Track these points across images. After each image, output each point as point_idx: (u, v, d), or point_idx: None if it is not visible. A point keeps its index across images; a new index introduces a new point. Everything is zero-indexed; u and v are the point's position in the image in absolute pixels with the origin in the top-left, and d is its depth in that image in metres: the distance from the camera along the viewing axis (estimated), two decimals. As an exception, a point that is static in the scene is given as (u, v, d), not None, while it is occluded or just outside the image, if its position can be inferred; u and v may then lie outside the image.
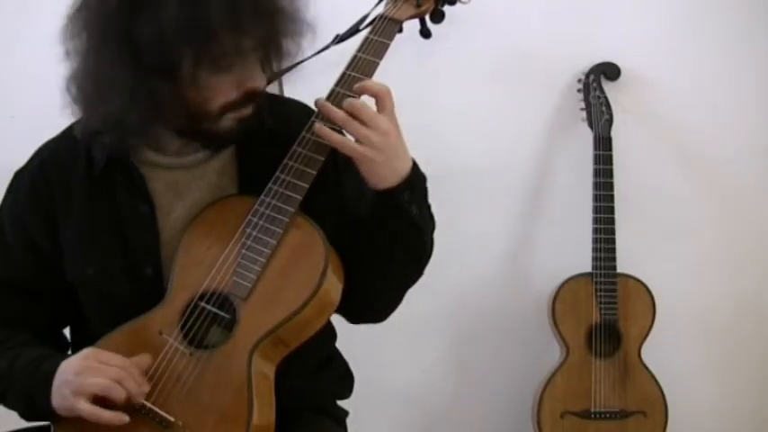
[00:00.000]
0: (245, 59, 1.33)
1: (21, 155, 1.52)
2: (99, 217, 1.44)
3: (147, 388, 1.30)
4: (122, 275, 1.43)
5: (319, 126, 1.33)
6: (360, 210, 1.42)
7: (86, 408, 1.27)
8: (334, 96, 1.37)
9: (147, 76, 1.28)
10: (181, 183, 1.45)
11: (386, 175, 1.34)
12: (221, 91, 1.33)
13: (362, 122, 1.31)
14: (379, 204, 1.36)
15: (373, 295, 1.46)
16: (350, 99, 1.33)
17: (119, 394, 1.27)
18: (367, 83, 1.36)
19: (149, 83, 1.29)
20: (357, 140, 1.32)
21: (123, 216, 1.44)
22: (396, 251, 1.40)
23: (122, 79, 1.29)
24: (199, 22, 1.24)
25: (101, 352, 1.32)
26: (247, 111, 1.38)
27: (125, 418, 1.27)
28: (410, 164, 1.37)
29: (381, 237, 1.39)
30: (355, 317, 1.53)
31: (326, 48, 1.47)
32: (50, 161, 1.48)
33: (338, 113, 1.32)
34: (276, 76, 1.47)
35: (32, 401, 1.35)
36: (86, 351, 1.33)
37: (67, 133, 1.50)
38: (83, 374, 1.28)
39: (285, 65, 1.41)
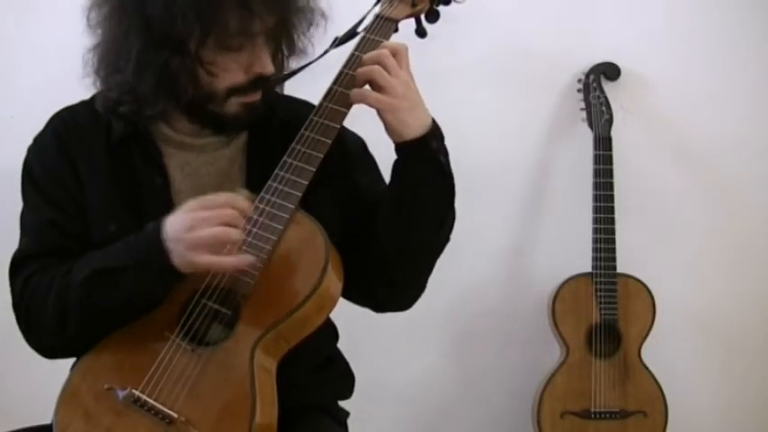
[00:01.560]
0: (253, 42, 1.36)
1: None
2: (118, 182, 1.46)
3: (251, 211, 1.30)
4: None
5: (356, 90, 1.37)
6: (373, 198, 1.46)
7: (207, 260, 1.27)
8: (333, 94, 1.40)
9: (157, 48, 1.33)
10: (192, 164, 1.47)
11: (411, 124, 1.37)
12: (227, 71, 1.36)
13: (387, 71, 1.36)
14: (408, 157, 1.39)
15: (398, 270, 1.45)
16: (378, 51, 1.38)
17: (234, 236, 1.27)
18: (384, 42, 1.41)
19: (160, 54, 1.33)
20: (382, 91, 1.36)
21: (140, 186, 1.46)
22: (427, 207, 1.42)
23: (136, 48, 1.34)
24: (207, 0, 1.29)
25: (204, 199, 1.30)
26: (255, 97, 1.40)
27: (248, 257, 1.28)
28: (431, 117, 1.41)
29: (413, 193, 1.41)
30: (382, 303, 1.53)
31: (326, 52, 1.48)
32: (71, 121, 1.50)
33: (369, 67, 1.36)
34: (279, 81, 1.48)
35: (150, 270, 1.31)
36: (189, 204, 1.30)
37: (87, 102, 1.52)
38: (195, 228, 1.27)
39: (296, 55, 1.44)
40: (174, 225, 1.29)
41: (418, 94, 1.39)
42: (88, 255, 1.39)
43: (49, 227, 1.45)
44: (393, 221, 1.42)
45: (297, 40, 1.44)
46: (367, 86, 1.39)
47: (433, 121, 1.42)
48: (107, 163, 1.46)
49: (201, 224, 1.27)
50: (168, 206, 1.42)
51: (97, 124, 1.48)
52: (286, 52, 1.45)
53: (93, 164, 1.46)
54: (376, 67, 1.36)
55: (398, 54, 1.38)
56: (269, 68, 1.39)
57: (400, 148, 1.40)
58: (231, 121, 1.42)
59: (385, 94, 1.36)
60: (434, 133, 1.40)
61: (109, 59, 1.40)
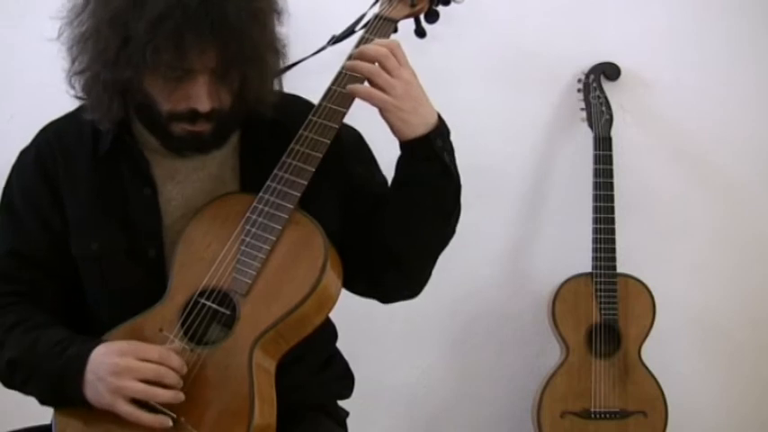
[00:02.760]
0: (193, 77, 1.32)
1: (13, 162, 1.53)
2: (104, 196, 1.45)
3: (185, 370, 1.30)
4: (125, 255, 1.44)
5: (352, 87, 1.36)
6: (374, 189, 1.46)
7: (127, 410, 1.27)
8: (332, 94, 1.40)
9: (100, 64, 1.32)
10: (181, 171, 1.46)
11: (415, 123, 1.37)
12: (163, 97, 1.35)
13: (388, 72, 1.35)
14: (412, 155, 1.39)
15: (407, 262, 1.45)
16: (377, 48, 1.36)
17: (161, 396, 1.27)
18: (376, 41, 1.40)
19: (100, 70, 1.33)
20: (384, 91, 1.35)
21: (128, 198, 1.45)
22: (431, 205, 1.41)
23: (84, 63, 1.35)
24: (146, 25, 1.26)
25: (138, 346, 1.31)
26: (201, 127, 1.37)
27: (168, 422, 1.27)
28: (436, 114, 1.40)
29: (417, 191, 1.40)
30: (389, 293, 1.53)
31: (323, 49, 1.48)
32: (55, 138, 1.49)
33: (366, 65, 1.35)
34: (278, 73, 1.47)
35: (61, 388, 1.33)
36: (122, 346, 1.31)
37: (73, 114, 1.51)
38: (122, 376, 1.27)
39: (250, 93, 1.39)
40: (101, 363, 1.30)
41: (422, 91, 1.39)
42: (22, 333, 1.39)
43: (11, 256, 1.46)
44: (397, 219, 1.42)
45: (256, 75, 1.38)
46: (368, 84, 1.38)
47: (439, 117, 1.41)
48: (92, 178, 1.45)
49: (128, 373, 1.28)
50: (157, 216, 1.44)
51: (82, 138, 1.47)
52: (243, 88, 1.38)
53: (76, 181, 1.46)
54: (375, 67, 1.35)
55: (395, 52, 1.36)
56: (203, 106, 1.33)
57: (404, 146, 1.40)
58: (177, 143, 1.40)
59: (386, 94, 1.35)
60: (439, 131, 1.39)
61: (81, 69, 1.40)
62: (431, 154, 1.39)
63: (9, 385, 1.41)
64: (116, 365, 1.28)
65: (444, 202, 1.43)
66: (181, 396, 1.28)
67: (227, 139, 1.45)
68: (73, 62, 1.37)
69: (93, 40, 1.32)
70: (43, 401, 1.39)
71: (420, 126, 1.37)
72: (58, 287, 1.48)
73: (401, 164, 1.42)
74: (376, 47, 1.37)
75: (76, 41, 1.35)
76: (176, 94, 1.34)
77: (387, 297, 1.55)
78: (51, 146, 1.48)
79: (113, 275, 1.44)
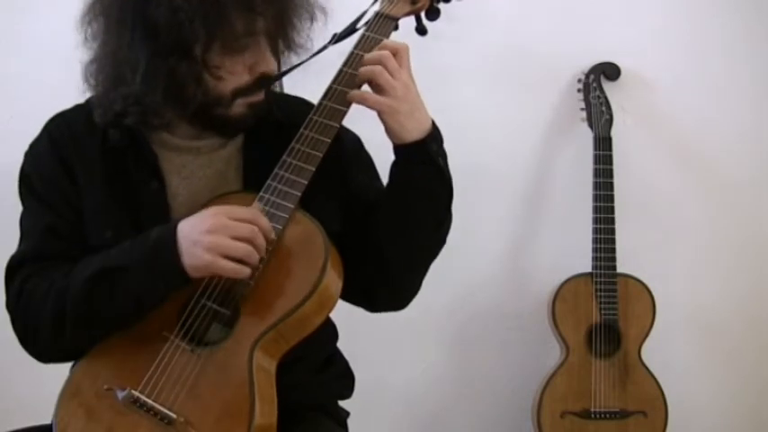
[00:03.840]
0: (257, 41, 1.37)
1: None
2: (114, 187, 1.45)
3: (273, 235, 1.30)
4: None
5: (353, 93, 1.37)
6: (371, 196, 1.46)
7: (229, 266, 1.27)
8: (333, 93, 1.40)
9: (165, 55, 1.33)
10: (188, 167, 1.47)
11: (411, 127, 1.38)
12: (233, 73, 1.37)
13: (388, 73, 1.36)
14: (408, 159, 1.40)
15: (397, 269, 1.45)
16: (379, 51, 1.37)
17: (254, 255, 1.27)
18: (386, 41, 1.41)
19: (167, 62, 1.33)
20: (382, 93, 1.36)
21: (136, 191, 1.45)
22: (425, 209, 1.42)
23: (141, 59, 1.33)
24: (212, 3, 1.29)
25: (229, 208, 1.31)
26: (259, 97, 1.41)
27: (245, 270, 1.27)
28: (430, 119, 1.41)
29: (411, 195, 1.41)
30: (377, 302, 1.53)
31: (324, 48, 1.48)
32: (65, 127, 1.49)
33: (370, 67, 1.36)
34: (277, 77, 1.48)
35: (157, 266, 1.30)
36: (214, 208, 1.31)
37: (82, 107, 1.51)
38: (217, 232, 1.27)
39: (295, 52, 1.45)
40: (193, 226, 1.29)
41: (418, 96, 1.39)
42: (88, 258, 1.38)
43: (47, 232, 1.44)
44: (391, 223, 1.42)
45: (296, 37, 1.44)
46: (366, 87, 1.39)
47: (433, 123, 1.41)
48: (102, 168, 1.45)
49: (223, 230, 1.27)
50: (164, 211, 1.44)
51: (92, 129, 1.46)
52: (285, 49, 1.45)
53: (88, 168, 1.45)
54: (378, 67, 1.36)
55: (399, 54, 1.37)
56: (272, 67, 1.39)
57: (399, 150, 1.40)
58: (236, 123, 1.42)
59: (385, 95, 1.35)
60: (434, 136, 1.40)
61: (111, 72, 1.39)
62: (426, 158, 1.39)
63: (87, 311, 1.34)
64: (212, 224, 1.28)
65: (438, 207, 1.44)
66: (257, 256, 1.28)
67: (273, 109, 1.46)
68: (119, 63, 1.35)
69: (163, 30, 1.31)
70: (138, 300, 1.33)
71: (416, 130, 1.38)
72: None
73: (396, 168, 1.43)
74: (378, 51, 1.38)
75: (124, 40, 1.34)
76: (242, 65, 1.37)
77: (374, 306, 1.54)
78: (62, 133, 1.48)
79: None
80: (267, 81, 1.41)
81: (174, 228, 1.30)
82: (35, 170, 1.48)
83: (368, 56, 1.38)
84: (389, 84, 1.35)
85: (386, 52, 1.36)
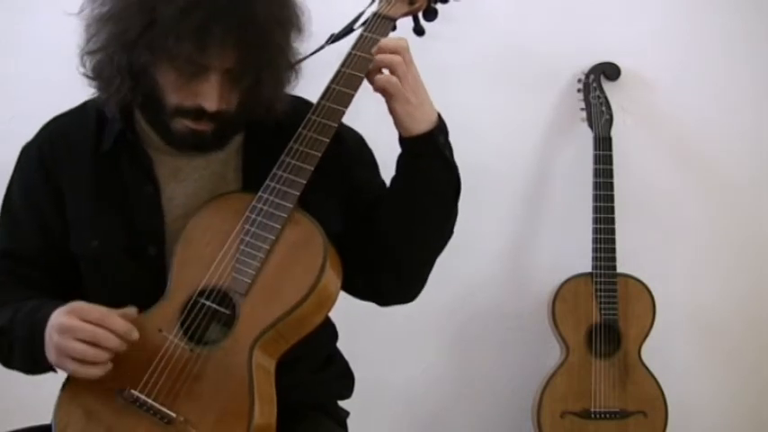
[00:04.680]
0: (207, 75, 1.32)
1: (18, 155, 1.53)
2: (105, 194, 1.45)
3: (135, 335, 1.29)
4: (125, 253, 1.44)
5: (379, 77, 1.37)
6: (374, 191, 1.47)
7: (70, 366, 1.29)
8: (331, 93, 1.40)
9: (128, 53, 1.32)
10: (183, 170, 1.46)
11: (420, 118, 1.39)
12: (174, 89, 1.34)
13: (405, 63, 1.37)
14: (416, 151, 1.40)
15: (405, 263, 1.46)
16: (397, 41, 1.38)
17: (96, 356, 1.27)
18: (384, 41, 1.40)
19: (131, 54, 1.31)
20: (400, 80, 1.36)
21: (129, 195, 1.45)
22: (433, 201, 1.43)
23: (114, 57, 1.33)
24: (174, 12, 1.26)
25: (83, 307, 1.31)
26: (202, 126, 1.36)
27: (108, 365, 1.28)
28: (437, 113, 1.42)
29: (418, 186, 1.42)
30: (386, 296, 1.54)
31: (321, 48, 1.48)
32: (58, 134, 1.50)
33: (390, 57, 1.37)
34: (286, 85, 1.48)
35: (33, 353, 1.35)
36: (70, 306, 1.32)
37: (77, 110, 1.51)
38: (65, 335, 1.28)
39: (260, 98, 1.39)
40: (53, 323, 1.31)
41: (425, 89, 1.41)
42: (14, 300, 1.42)
43: (2, 257, 1.48)
44: (398, 215, 1.42)
45: (290, 58, 1.40)
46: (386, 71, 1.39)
47: (439, 116, 1.42)
48: (94, 176, 1.46)
49: (69, 332, 1.28)
50: (158, 215, 1.44)
51: (86, 133, 1.47)
52: (248, 89, 1.38)
53: (78, 177, 1.46)
54: (398, 57, 1.37)
55: (401, 53, 1.38)
56: (212, 106, 1.33)
57: (407, 142, 1.41)
58: (177, 139, 1.39)
59: (402, 85, 1.37)
60: (441, 128, 1.42)
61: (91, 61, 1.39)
62: (434, 150, 1.40)
63: (3, 359, 1.44)
64: (61, 325, 1.29)
65: (445, 200, 1.45)
66: (108, 365, 1.28)
67: (228, 141, 1.45)
68: (89, 40, 1.36)
69: (116, 20, 1.31)
70: (27, 371, 1.42)
71: (424, 122, 1.39)
72: (55, 286, 1.48)
73: (403, 160, 1.43)
74: (396, 40, 1.39)
75: (97, 19, 1.34)
76: (187, 88, 1.33)
77: (384, 301, 1.55)
78: (53, 143, 1.48)
79: (113, 273, 1.45)
80: (204, 113, 1.34)
81: (46, 318, 1.32)
82: (19, 180, 1.50)
83: (384, 43, 1.38)
84: (405, 74, 1.36)
85: (403, 43, 1.38)
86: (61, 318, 1.30)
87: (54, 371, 1.37)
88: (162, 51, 1.28)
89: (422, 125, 1.39)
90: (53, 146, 1.48)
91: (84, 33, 1.36)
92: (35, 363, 1.37)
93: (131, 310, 1.32)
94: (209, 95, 1.33)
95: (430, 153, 1.40)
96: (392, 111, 1.39)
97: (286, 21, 1.37)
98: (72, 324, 1.28)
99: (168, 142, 1.42)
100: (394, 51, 1.37)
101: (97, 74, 1.37)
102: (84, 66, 1.39)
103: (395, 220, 1.43)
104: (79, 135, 1.48)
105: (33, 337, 1.34)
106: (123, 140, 1.45)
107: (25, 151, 1.51)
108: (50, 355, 1.31)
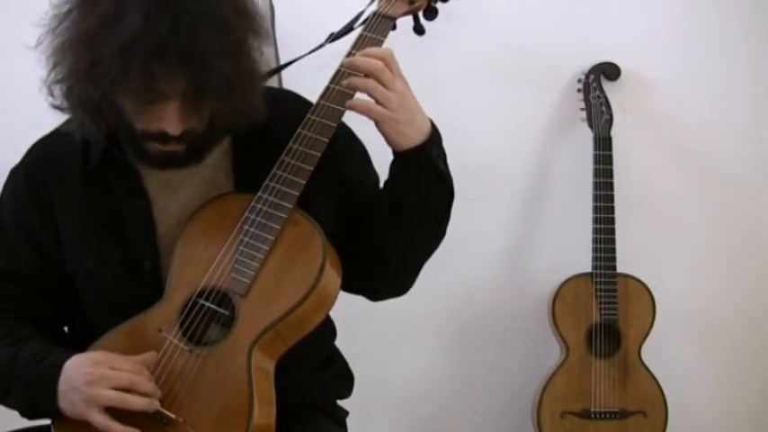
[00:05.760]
0: (164, 101, 1.29)
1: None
2: (97, 211, 1.44)
3: (158, 393, 1.29)
4: (121, 269, 1.43)
5: (350, 103, 1.36)
6: (367, 190, 1.45)
7: (100, 419, 1.27)
8: (330, 93, 1.39)
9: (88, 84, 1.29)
10: (174, 179, 1.45)
11: (411, 134, 1.36)
12: (136, 116, 1.31)
13: (384, 86, 1.34)
14: (408, 165, 1.38)
15: (395, 267, 1.46)
16: (373, 62, 1.34)
17: (133, 404, 1.27)
18: (369, 50, 1.38)
19: (86, 88, 1.29)
20: (379, 104, 1.34)
21: (120, 211, 1.44)
22: (426, 211, 1.42)
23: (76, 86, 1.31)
24: (114, 50, 1.24)
25: (111, 356, 1.31)
26: (172, 148, 1.35)
27: None
28: (429, 121, 1.40)
29: (411, 200, 1.40)
30: (377, 292, 1.53)
31: (321, 46, 1.48)
32: (45, 155, 1.49)
33: (362, 80, 1.34)
34: (272, 73, 1.47)
35: (35, 400, 1.34)
36: (96, 356, 1.32)
37: (60, 130, 1.49)
38: (95, 385, 1.27)
39: (221, 121, 1.36)
40: (75, 373, 1.30)
41: (415, 100, 1.38)
42: (9, 341, 1.40)
43: (4, 275, 1.46)
44: (391, 221, 1.42)
45: (227, 107, 1.33)
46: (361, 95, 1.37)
47: (432, 125, 1.40)
48: (84, 194, 1.45)
49: (102, 382, 1.27)
50: (150, 228, 1.44)
51: (72, 153, 1.46)
52: (218, 114, 1.35)
53: (68, 198, 1.45)
54: (371, 81, 1.34)
55: (388, 62, 1.35)
56: (173, 129, 1.30)
57: (399, 156, 1.39)
58: (151, 160, 1.39)
59: (384, 108, 1.34)
60: (433, 139, 1.39)
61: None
62: (426, 163, 1.38)
63: None
64: (90, 374, 1.28)
65: (438, 210, 1.44)
66: (156, 405, 1.28)
67: (204, 156, 1.42)
68: (51, 71, 1.33)
69: (69, 54, 1.29)
70: (23, 414, 1.40)
71: (415, 137, 1.37)
72: (51, 303, 1.48)
73: (396, 173, 1.42)
74: (371, 60, 1.34)
75: (54, 51, 1.32)
76: (147, 115, 1.30)
77: (374, 296, 1.55)
78: (40, 164, 1.47)
79: (110, 289, 1.44)
80: (168, 137, 1.32)
81: (59, 368, 1.31)
82: (8, 202, 1.49)
83: (360, 62, 1.35)
84: (385, 96, 1.33)
85: (379, 64, 1.34)
86: (88, 368, 1.30)
87: (57, 417, 1.34)
88: (110, 86, 1.26)
89: (413, 140, 1.37)
90: (41, 167, 1.47)
91: (46, 64, 1.34)
92: (34, 409, 1.37)
93: (152, 356, 1.32)
94: (170, 121, 1.30)
95: (422, 166, 1.38)
96: (380, 131, 1.36)
97: (230, 46, 1.29)
98: (104, 374, 1.28)
99: (145, 162, 1.41)
100: (368, 73, 1.34)
101: (64, 104, 1.35)
102: (51, 95, 1.36)
103: (385, 225, 1.42)
104: (66, 155, 1.46)
105: (41, 384, 1.32)
106: (110, 157, 1.44)
107: (12, 174, 1.50)
108: (71, 406, 1.29)
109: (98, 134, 1.40)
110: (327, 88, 1.40)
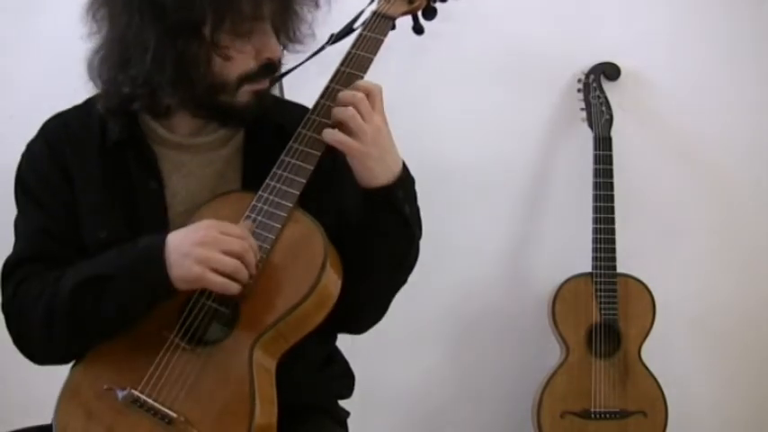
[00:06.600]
0: (263, 27, 1.37)
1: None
2: (112, 186, 1.45)
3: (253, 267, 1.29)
4: None
5: (327, 131, 1.35)
6: (353, 217, 1.42)
7: (219, 281, 1.27)
8: (330, 92, 1.40)
9: (173, 35, 1.32)
10: (187, 165, 1.47)
11: (379, 172, 1.36)
12: (240, 58, 1.37)
13: (361, 116, 1.33)
14: (373, 203, 1.37)
15: (358, 303, 1.44)
16: (353, 93, 1.35)
17: (242, 272, 1.27)
18: (359, 82, 1.38)
19: (175, 42, 1.33)
20: (352, 136, 1.33)
21: (134, 190, 1.45)
22: (386, 253, 1.41)
23: (150, 40, 1.33)
24: None
25: (221, 222, 1.30)
26: (264, 84, 1.41)
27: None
28: (401, 164, 1.39)
29: (373, 238, 1.40)
30: (336, 325, 1.47)
31: (322, 49, 1.48)
32: (62, 127, 1.49)
33: (340, 109, 1.34)
34: (276, 79, 1.47)
35: (143, 276, 1.30)
36: (206, 221, 1.31)
37: (80, 106, 1.51)
38: (209, 246, 1.27)
39: (300, 40, 1.45)
40: (184, 237, 1.29)
41: (390, 139, 1.37)
42: (79, 263, 1.38)
43: (42, 233, 1.45)
44: (355, 261, 1.39)
45: (301, 26, 1.44)
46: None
47: (404, 166, 1.40)
48: (100, 168, 1.45)
49: (214, 244, 1.27)
50: (162, 210, 1.44)
51: (90, 129, 1.47)
52: (288, 42, 1.45)
53: (85, 169, 1.46)
54: (350, 110, 1.33)
55: (372, 96, 1.35)
56: (277, 53, 1.40)
57: (365, 193, 1.38)
58: (241, 111, 1.41)
59: (356, 139, 1.33)
60: (402, 181, 1.38)
61: (117, 57, 1.38)
62: (391, 205, 1.38)
63: (73, 319, 1.34)
64: (203, 237, 1.28)
65: (400, 252, 1.43)
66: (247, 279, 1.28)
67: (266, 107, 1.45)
68: (127, 46, 1.35)
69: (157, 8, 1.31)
70: (123, 310, 1.33)
71: (383, 175, 1.36)
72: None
73: (361, 208, 1.40)
74: (351, 92, 1.35)
75: (133, 23, 1.33)
76: (248, 50, 1.37)
77: (331, 329, 1.49)
78: (59, 134, 1.48)
79: None
80: (272, 68, 1.40)
81: (164, 238, 1.30)
82: (31, 171, 1.48)
83: (341, 95, 1.36)
84: (361, 128, 1.33)
85: (359, 94, 1.34)
86: (199, 231, 1.29)
87: (166, 297, 1.31)
88: (226, 14, 1.31)
89: (380, 178, 1.36)
90: (59, 137, 1.48)
91: (107, 22, 1.36)
92: (143, 293, 1.32)
93: (249, 224, 1.33)
94: (272, 45, 1.39)
95: (386, 208, 1.37)
96: (349, 162, 1.36)
97: None
98: (217, 237, 1.27)
99: (227, 122, 1.44)
100: (348, 104, 1.34)
101: (168, 69, 1.34)
102: (98, 53, 1.38)
103: (350, 264, 1.39)
104: (83, 129, 1.48)
105: (149, 259, 1.29)
106: (129, 135, 1.45)
107: (31, 145, 1.50)
108: (184, 270, 1.27)
109: (121, 111, 1.41)
110: (327, 88, 1.41)
